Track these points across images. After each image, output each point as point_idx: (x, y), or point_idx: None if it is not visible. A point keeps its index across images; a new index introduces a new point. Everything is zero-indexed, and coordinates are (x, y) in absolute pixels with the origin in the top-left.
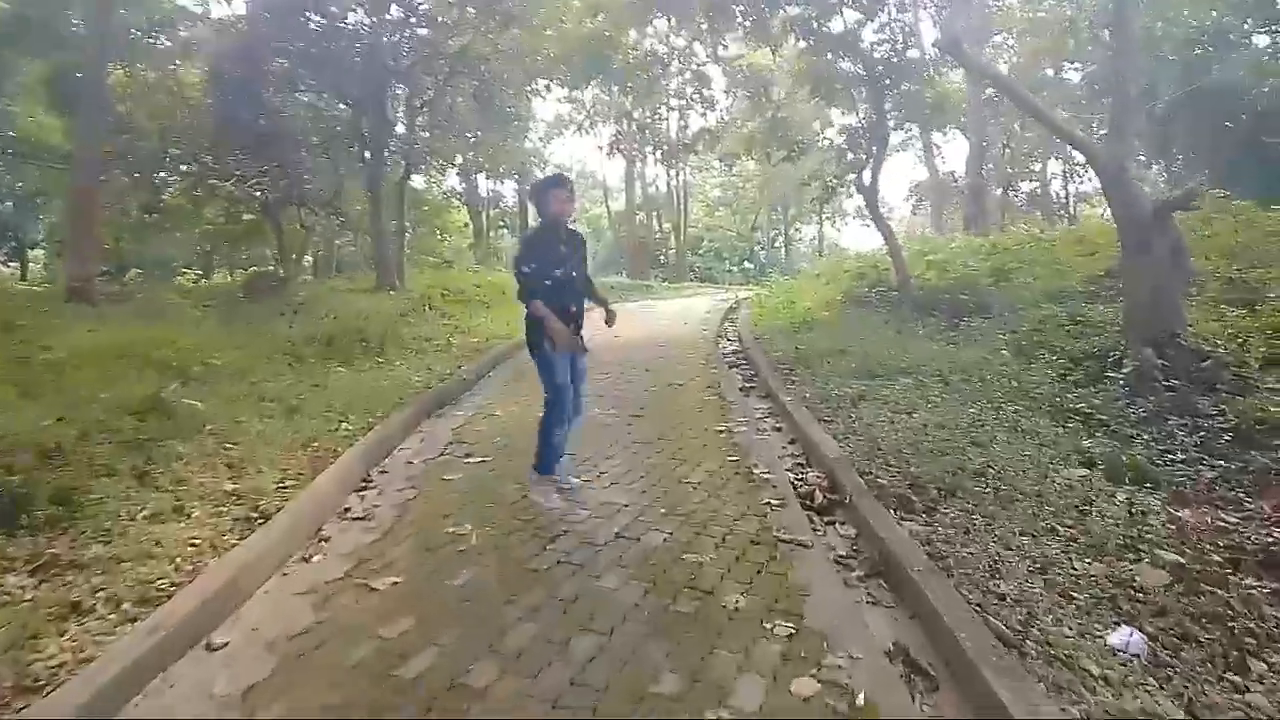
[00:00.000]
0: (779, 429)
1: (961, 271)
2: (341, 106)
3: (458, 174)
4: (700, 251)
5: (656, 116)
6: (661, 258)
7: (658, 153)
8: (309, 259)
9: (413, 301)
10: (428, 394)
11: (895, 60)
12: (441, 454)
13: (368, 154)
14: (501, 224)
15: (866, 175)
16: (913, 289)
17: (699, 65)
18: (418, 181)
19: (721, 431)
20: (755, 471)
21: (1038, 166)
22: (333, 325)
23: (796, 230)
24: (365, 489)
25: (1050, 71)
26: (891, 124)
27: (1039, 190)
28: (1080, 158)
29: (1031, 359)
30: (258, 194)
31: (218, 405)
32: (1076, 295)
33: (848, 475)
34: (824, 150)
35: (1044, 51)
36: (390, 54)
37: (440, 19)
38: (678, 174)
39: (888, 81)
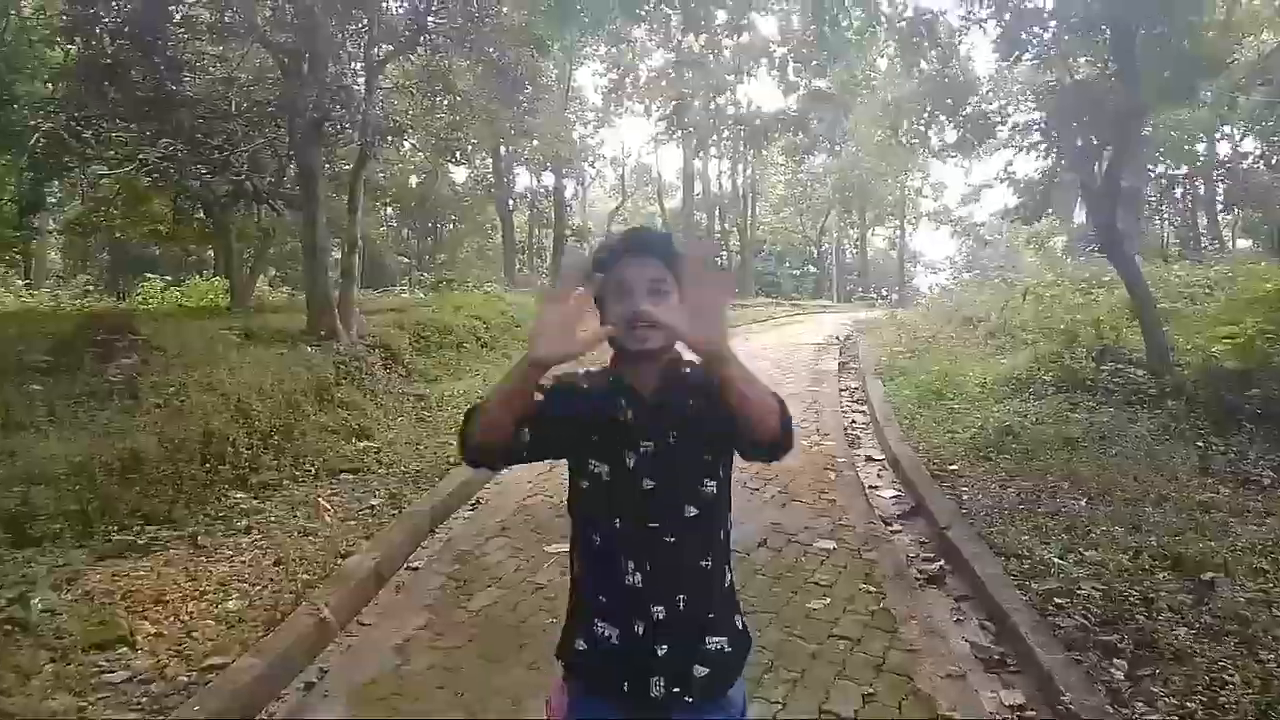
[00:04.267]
0: None
1: (1248, 340)
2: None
3: (469, 163)
4: (761, 254)
5: (743, 74)
6: (720, 262)
7: (740, 130)
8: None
9: (356, 357)
10: None
11: None
12: None
13: (298, 129)
14: (545, 224)
15: (1096, 173)
16: (1177, 370)
17: None
18: (458, 174)
19: None
20: None
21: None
22: (159, 426)
23: (873, 234)
24: None
25: None
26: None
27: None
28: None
29: None
30: (190, 183)
31: None
32: None
33: None
34: (1019, 130)
35: None
36: None
37: None
38: (746, 168)
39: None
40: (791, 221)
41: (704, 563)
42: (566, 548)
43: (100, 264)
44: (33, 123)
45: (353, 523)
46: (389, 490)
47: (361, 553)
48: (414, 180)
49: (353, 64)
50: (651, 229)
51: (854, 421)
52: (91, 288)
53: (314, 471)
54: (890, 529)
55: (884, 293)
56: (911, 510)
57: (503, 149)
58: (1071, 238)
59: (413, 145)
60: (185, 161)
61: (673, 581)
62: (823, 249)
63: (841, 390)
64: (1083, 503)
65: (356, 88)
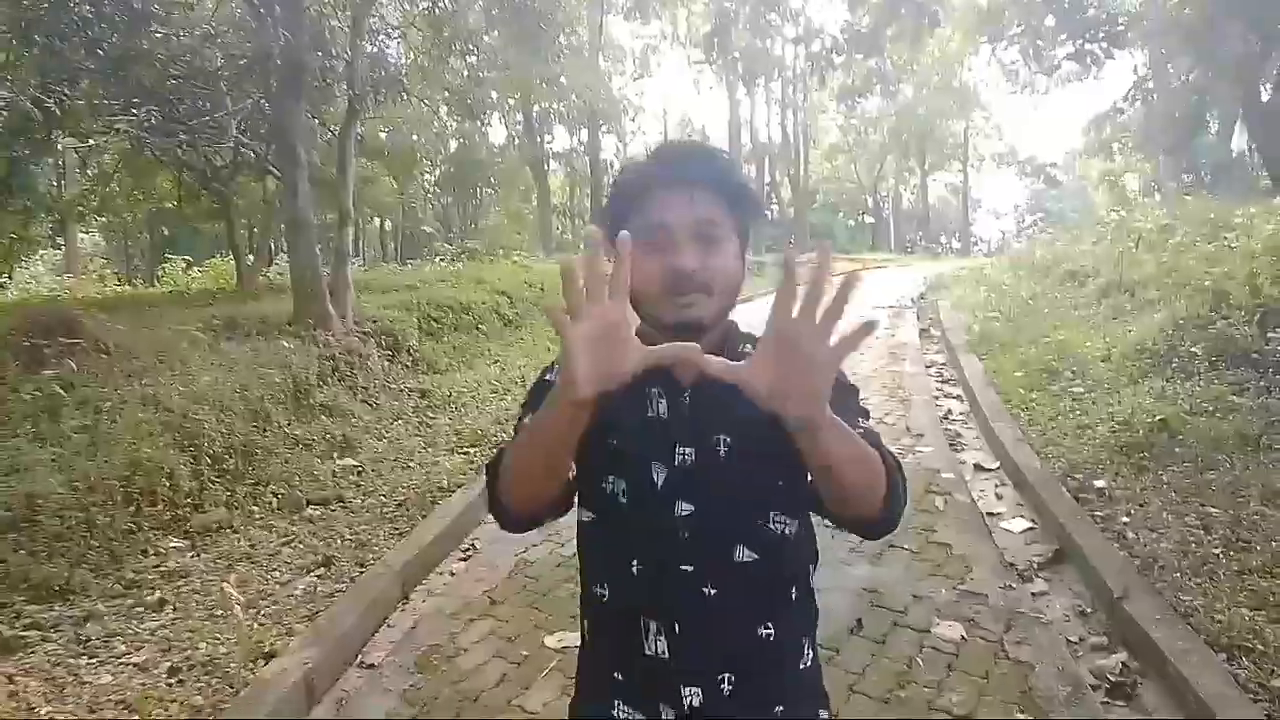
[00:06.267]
0: None
1: None
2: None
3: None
4: (814, 206)
5: None
6: (770, 214)
7: (799, 52)
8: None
9: (348, 349)
10: None
11: None
12: None
13: (273, 83)
14: (585, 185)
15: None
16: None
17: None
18: (497, 135)
19: None
20: None
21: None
22: (76, 457)
23: (932, 180)
24: None
25: None
26: None
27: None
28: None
29: None
30: (180, 154)
31: None
32: None
33: None
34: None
35: None
36: None
37: None
38: (797, 112)
39: None
40: (846, 170)
41: (764, 631)
42: (575, 640)
43: (141, 245)
44: None
45: (299, 592)
46: (357, 536)
47: (290, 652)
48: (453, 144)
49: (336, 4)
50: (697, 144)
51: (950, 413)
52: (109, 272)
53: (274, 504)
54: (1031, 589)
55: (944, 240)
56: (1055, 556)
57: (535, 107)
58: (1161, 171)
59: (442, 101)
60: (162, 129)
61: (713, 651)
62: (879, 196)
63: (928, 368)
64: None
65: (340, 30)
